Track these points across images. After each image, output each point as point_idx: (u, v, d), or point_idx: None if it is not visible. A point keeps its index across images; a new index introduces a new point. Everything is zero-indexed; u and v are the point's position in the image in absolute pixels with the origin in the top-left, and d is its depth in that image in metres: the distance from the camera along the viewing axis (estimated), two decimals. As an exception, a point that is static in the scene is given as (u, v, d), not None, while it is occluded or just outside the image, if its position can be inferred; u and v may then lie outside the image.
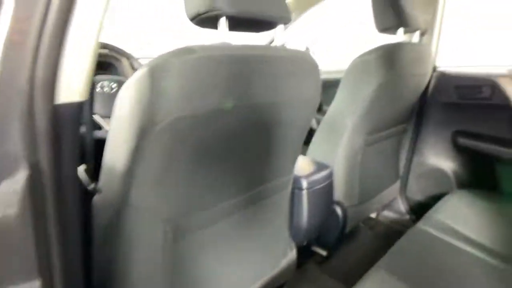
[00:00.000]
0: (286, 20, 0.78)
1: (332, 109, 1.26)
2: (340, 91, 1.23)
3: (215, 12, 0.66)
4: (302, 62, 0.79)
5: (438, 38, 1.49)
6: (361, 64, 1.16)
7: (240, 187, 0.81)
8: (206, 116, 0.62)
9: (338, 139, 1.23)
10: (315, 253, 1.39)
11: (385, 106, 1.23)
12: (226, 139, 0.70)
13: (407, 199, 1.68)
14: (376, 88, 1.14)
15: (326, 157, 1.26)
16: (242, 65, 0.65)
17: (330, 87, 1.44)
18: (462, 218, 1.14)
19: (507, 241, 1.03)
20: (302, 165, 1.19)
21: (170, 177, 0.65)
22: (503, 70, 1.38)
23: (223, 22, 0.68)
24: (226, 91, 0.63)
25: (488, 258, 0.94)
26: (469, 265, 0.93)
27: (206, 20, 0.69)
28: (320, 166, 1.20)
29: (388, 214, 1.73)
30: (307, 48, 1.96)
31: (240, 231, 0.85)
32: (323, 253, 1.36)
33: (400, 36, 1.20)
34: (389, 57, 1.14)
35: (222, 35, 0.69)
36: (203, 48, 0.61)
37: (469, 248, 0.98)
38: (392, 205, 1.71)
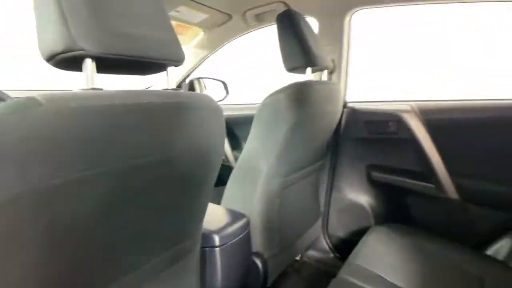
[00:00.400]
0: (176, 62, 0.66)
1: (245, 152, 1.16)
2: (252, 132, 1.14)
3: (76, 53, 0.51)
4: (199, 108, 0.67)
5: (346, 76, 1.53)
6: (271, 103, 1.10)
7: (129, 263, 0.63)
8: (64, 187, 0.45)
9: (254, 185, 1.13)
10: None
11: (300, 145, 1.18)
12: (104, 210, 0.53)
13: (329, 236, 1.64)
14: (289, 128, 1.07)
15: (242, 205, 1.14)
16: (114, 118, 0.50)
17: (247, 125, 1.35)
18: (381, 261, 1.10)
19: (423, 282, 1.02)
20: (215, 217, 1.05)
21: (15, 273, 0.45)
22: (407, 106, 1.45)
23: (88, 63, 0.53)
24: (91, 153, 0.47)
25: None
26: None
27: (67, 60, 0.53)
28: (235, 216, 1.07)
29: (312, 253, 1.66)
30: (224, 83, 1.88)
31: None
32: None
33: (309, 75, 1.18)
34: (300, 95, 1.09)
35: (89, 78, 0.54)
36: (53, 97, 0.45)
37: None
38: (316, 244, 1.65)
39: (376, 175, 1.52)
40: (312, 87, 1.14)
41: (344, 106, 1.54)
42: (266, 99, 1.11)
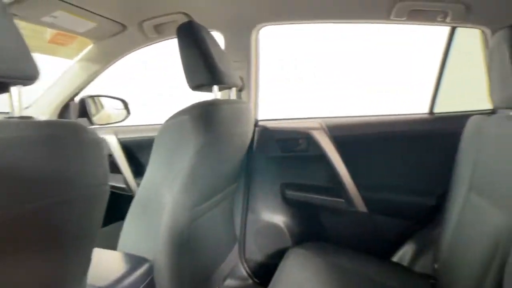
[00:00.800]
0: (26, 80, 0.48)
1: (145, 182, 1.00)
2: (153, 158, 0.98)
3: None
4: (67, 141, 0.51)
5: (256, 94, 1.48)
6: (174, 125, 0.96)
7: None
8: None
9: (157, 220, 0.96)
10: None
11: (209, 171, 1.06)
12: None
13: (247, 262, 1.54)
14: (196, 152, 0.95)
15: (144, 245, 0.97)
16: None
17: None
18: (300, 286, 1.05)
19: None
20: (106, 267, 0.86)
21: None
22: (316, 124, 1.46)
23: None
24: None
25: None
26: None
27: None
28: (133, 263, 0.89)
29: (230, 282, 1.54)
30: (124, 102, 1.66)
31: None
32: None
33: (216, 93, 1.07)
34: (206, 115, 0.97)
35: None
36: None
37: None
38: (234, 272, 1.53)
39: (290, 193, 1.50)
40: (219, 106, 1.04)
41: (256, 124, 1.48)
42: (168, 120, 0.97)
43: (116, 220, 1.17)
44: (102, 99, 1.61)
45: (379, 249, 1.45)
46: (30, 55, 0.48)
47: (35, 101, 1.50)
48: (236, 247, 1.47)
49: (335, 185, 1.45)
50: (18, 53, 0.47)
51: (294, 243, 1.47)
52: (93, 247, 0.65)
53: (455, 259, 1.05)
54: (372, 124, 1.48)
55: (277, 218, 1.52)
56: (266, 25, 1.39)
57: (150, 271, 0.91)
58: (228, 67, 1.12)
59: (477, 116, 1.10)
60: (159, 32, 1.33)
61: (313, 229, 1.50)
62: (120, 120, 1.62)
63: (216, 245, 1.28)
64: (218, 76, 1.03)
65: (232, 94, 1.25)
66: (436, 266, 1.18)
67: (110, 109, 1.64)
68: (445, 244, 1.12)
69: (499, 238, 0.82)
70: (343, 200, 1.45)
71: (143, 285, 0.87)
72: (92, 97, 1.56)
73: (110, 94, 1.62)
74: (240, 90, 1.41)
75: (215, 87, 1.06)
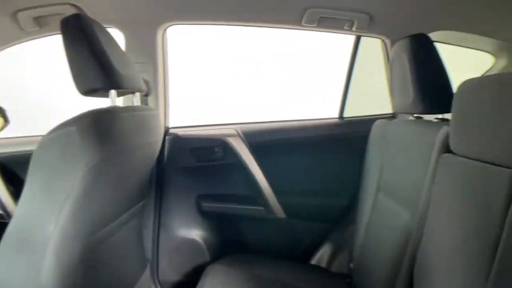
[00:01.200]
0: None
1: (20, 212, 0.80)
2: (30, 182, 0.79)
3: None
4: None
5: (165, 99, 1.35)
6: (59, 139, 0.78)
7: None
8: None
9: (38, 259, 0.78)
10: None
11: (107, 192, 0.90)
12: None
13: (161, 284, 1.40)
14: (88, 171, 0.78)
15: None
16: None
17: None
18: None
19: None
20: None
21: None
22: (232, 130, 1.40)
23: None
24: None
25: None
26: None
27: None
28: None
29: (143, 310, 1.38)
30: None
31: None
32: None
33: (113, 99, 0.92)
34: (100, 126, 0.82)
35: None
36: None
37: None
38: (147, 298, 1.38)
39: (207, 205, 1.41)
40: (117, 114, 0.89)
41: (166, 133, 1.35)
42: (50, 133, 0.79)
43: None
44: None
45: (300, 253, 1.46)
46: None
47: None
48: (147, 271, 1.31)
49: (254, 193, 1.41)
50: None
51: (213, 258, 1.38)
52: None
53: (368, 257, 1.09)
54: (287, 129, 1.48)
55: (194, 233, 1.41)
56: (172, 25, 1.27)
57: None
58: (129, 69, 0.97)
59: (380, 120, 1.17)
60: (42, 25, 1.11)
61: (233, 241, 1.44)
62: (-5, 131, 1.32)
63: (121, 273, 1.11)
64: (115, 79, 0.88)
65: (136, 100, 1.10)
66: (351, 265, 1.22)
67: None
68: (358, 244, 1.16)
69: (408, 235, 0.86)
70: (262, 208, 1.41)
71: None
72: None
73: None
74: (146, 95, 1.26)
75: (112, 92, 0.90)
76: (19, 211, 0.81)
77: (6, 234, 0.81)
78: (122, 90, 0.94)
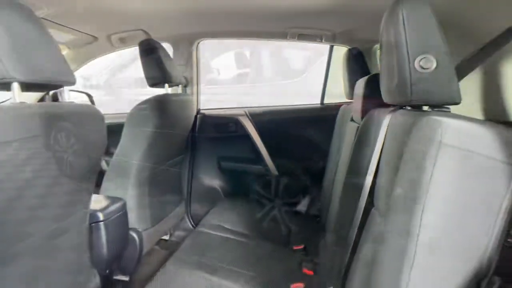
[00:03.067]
0: (70, 83, 0.94)
1: (119, 151, 1.46)
2: (124, 136, 1.45)
3: (7, 80, 0.75)
4: (87, 115, 0.98)
5: (198, 89, 1.98)
6: (137, 113, 1.44)
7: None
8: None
9: (128, 175, 1.44)
10: (117, 281, 1.50)
11: (162, 143, 1.55)
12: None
13: (192, 217, 2.05)
14: (153, 131, 1.44)
15: (119, 192, 1.44)
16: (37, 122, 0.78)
17: (115, 131, 1.64)
18: (225, 218, 1.60)
19: (250, 227, 1.57)
20: (98, 202, 1.31)
21: None
22: (242, 112, 2.01)
23: (16, 86, 0.78)
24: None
25: (243, 239, 1.40)
26: (234, 245, 1.38)
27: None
28: (113, 200, 1.35)
29: (179, 233, 2.03)
30: (88, 95, 2.06)
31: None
32: (125, 278, 1.49)
33: (167, 89, 1.57)
34: (159, 105, 1.47)
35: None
36: None
37: (232, 236, 1.42)
38: (182, 225, 2.03)
39: (224, 163, 2.03)
40: (169, 98, 1.54)
41: (198, 112, 1.99)
42: (134, 108, 1.44)
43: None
44: (69, 93, 1.99)
45: (286, 200, 2.03)
46: (70, 70, 0.94)
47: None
48: (182, 205, 1.96)
49: (256, 156, 2.02)
50: (65, 69, 0.92)
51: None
52: (94, 185, 1.12)
53: (330, 201, 1.62)
54: (282, 112, 2.08)
55: (214, 182, 2.05)
56: (203, 40, 1.90)
57: (124, 206, 1.37)
58: (175, 69, 1.61)
59: (345, 105, 1.71)
60: (123, 42, 1.78)
61: (240, 188, 2.05)
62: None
63: (167, 199, 1.77)
64: (168, 77, 1.53)
65: (179, 89, 1.75)
66: (319, 206, 1.79)
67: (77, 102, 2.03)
68: (326, 190, 1.71)
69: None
70: (262, 167, 2.01)
71: (120, 213, 1.34)
72: (60, 91, 1.94)
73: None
74: (185, 87, 1.91)
75: (166, 85, 1.56)
76: (118, 150, 1.47)
77: (111, 165, 1.47)
78: (171, 83, 1.59)
